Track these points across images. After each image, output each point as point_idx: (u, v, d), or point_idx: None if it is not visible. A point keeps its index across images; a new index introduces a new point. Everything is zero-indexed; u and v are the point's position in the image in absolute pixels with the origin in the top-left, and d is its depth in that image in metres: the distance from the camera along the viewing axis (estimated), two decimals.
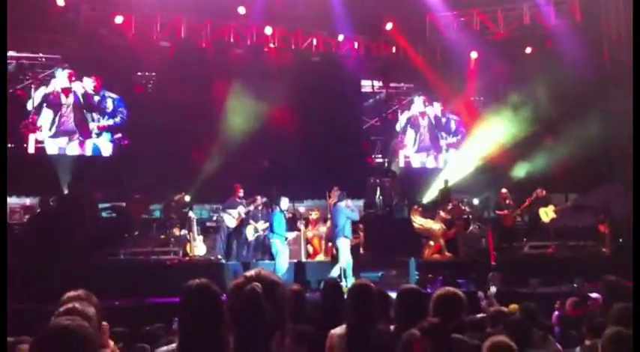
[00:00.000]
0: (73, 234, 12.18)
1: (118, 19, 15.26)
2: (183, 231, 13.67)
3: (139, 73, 16.48)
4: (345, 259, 12.36)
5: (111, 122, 15.76)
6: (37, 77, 15.23)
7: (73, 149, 15.52)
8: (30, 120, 14.85)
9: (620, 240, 14.13)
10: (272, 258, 13.09)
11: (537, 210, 15.28)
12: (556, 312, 7.64)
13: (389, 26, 17.59)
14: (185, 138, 15.30)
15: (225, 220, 13.79)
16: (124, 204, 14.49)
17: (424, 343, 2.99)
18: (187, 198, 14.54)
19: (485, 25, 17.82)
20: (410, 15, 17.76)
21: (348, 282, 11.32)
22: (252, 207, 13.74)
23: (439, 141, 19.25)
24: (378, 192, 16.92)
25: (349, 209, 12.74)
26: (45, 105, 15.19)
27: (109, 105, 15.79)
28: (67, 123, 15.39)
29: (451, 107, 19.11)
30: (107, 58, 15.53)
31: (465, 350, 3.33)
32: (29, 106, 15.08)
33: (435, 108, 19.18)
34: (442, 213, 14.52)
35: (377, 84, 19.29)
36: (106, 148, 15.77)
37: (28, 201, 14.52)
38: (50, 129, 15.24)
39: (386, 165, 18.42)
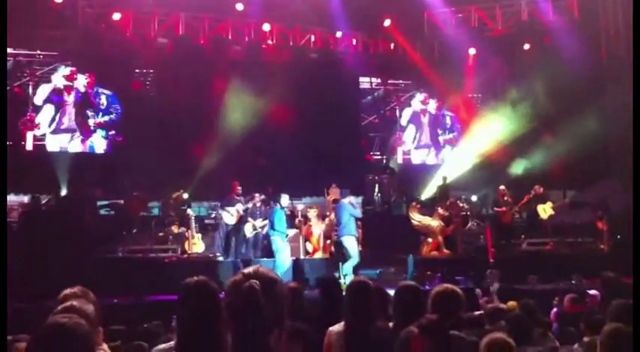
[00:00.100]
0: (71, 232, 12.17)
1: (116, 16, 15.24)
2: (182, 229, 13.67)
3: (137, 70, 16.46)
4: (357, 255, 12.41)
5: (106, 118, 15.72)
6: (34, 74, 15.20)
7: (75, 147, 15.49)
8: (28, 117, 14.81)
9: (618, 237, 14.14)
10: (271, 255, 13.15)
11: (535, 206, 15.29)
12: (554, 309, 7.65)
13: (387, 23, 17.57)
14: (183, 136, 15.29)
15: (223, 218, 13.79)
16: (122, 202, 14.49)
17: (422, 340, 2.99)
18: (186, 196, 14.54)
19: (484, 22, 17.81)
20: (408, 11, 17.74)
21: (347, 279, 11.33)
22: (250, 205, 13.74)
23: (438, 138, 19.23)
24: (377, 189, 16.93)
25: (352, 206, 12.75)
26: (48, 102, 15.14)
27: (103, 101, 15.75)
28: (69, 120, 15.35)
29: (449, 103, 19.09)
30: (105, 54, 15.51)
31: (463, 347, 3.33)
32: (37, 102, 15.05)
33: (430, 105, 19.15)
34: (440, 210, 14.52)
35: (375, 81, 19.27)
36: (100, 145, 15.72)
37: (26, 198, 14.50)
38: (50, 126, 15.20)
39: (384, 162, 18.42)
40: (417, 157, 19.09)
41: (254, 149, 15.99)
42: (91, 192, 14.42)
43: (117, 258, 12.83)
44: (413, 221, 14.47)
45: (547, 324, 6.48)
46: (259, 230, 13.64)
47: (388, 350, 3.36)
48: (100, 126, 15.70)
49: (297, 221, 13.80)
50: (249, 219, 13.61)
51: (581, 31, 16.44)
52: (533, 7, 17.39)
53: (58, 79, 15.20)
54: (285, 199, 13.07)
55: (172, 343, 2.91)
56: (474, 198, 17.16)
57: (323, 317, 4.96)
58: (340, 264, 12.86)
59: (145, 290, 10.68)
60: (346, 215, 12.62)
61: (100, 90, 15.70)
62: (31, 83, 15.11)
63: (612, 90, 16.48)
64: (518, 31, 17.60)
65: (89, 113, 15.58)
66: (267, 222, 13.56)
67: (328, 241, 13.98)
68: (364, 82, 19.16)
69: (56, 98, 15.18)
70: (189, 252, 13.34)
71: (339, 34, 17.48)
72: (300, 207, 14.00)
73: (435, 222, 14.35)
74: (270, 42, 16.89)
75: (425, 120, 19.04)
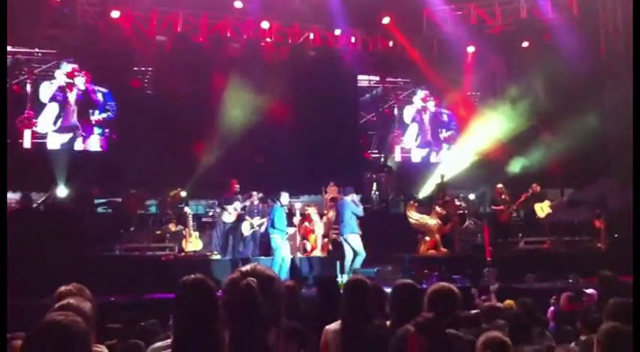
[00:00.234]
0: (68, 230, 12.17)
1: (115, 14, 15.22)
2: (179, 227, 13.67)
3: (136, 68, 16.45)
4: (363, 250, 12.47)
5: (104, 116, 15.70)
6: (33, 72, 15.18)
7: (79, 145, 15.48)
8: (26, 115, 14.80)
9: (616, 236, 14.15)
10: (269, 253, 13.17)
11: (533, 205, 15.29)
12: (551, 307, 7.65)
13: (386, 20, 17.56)
14: (181, 133, 15.29)
15: (222, 216, 13.79)
16: (119, 200, 14.48)
17: (418, 338, 2.99)
18: (183, 194, 14.54)
19: (483, 19, 17.80)
20: (407, 9, 17.72)
21: (344, 278, 11.33)
22: (247, 203, 13.74)
23: (439, 136, 19.22)
24: (374, 188, 16.94)
25: (355, 204, 12.76)
26: (53, 100, 15.12)
27: (100, 99, 15.74)
28: (72, 118, 15.32)
29: (447, 101, 19.09)
30: (104, 52, 15.49)
31: (460, 346, 3.32)
32: (43, 100, 15.03)
33: (430, 103, 19.15)
34: (438, 209, 14.51)
35: (374, 78, 19.27)
36: (95, 143, 15.69)
37: (30, 196, 14.46)
38: (55, 124, 15.18)
39: (382, 160, 18.42)
40: (418, 155, 19.08)
41: (251, 147, 15.98)
42: (88, 190, 14.41)
43: (114, 256, 12.83)
44: (410, 219, 14.47)
45: (544, 323, 6.49)
46: (257, 228, 13.63)
47: (385, 348, 3.36)
48: (97, 123, 15.69)
49: (295, 219, 13.78)
50: (247, 217, 13.61)
51: (580, 28, 16.44)
52: (532, 5, 17.38)
53: (61, 77, 15.17)
54: (285, 197, 13.06)
55: (169, 341, 2.90)
56: (471, 196, 17.19)
57: (320, 315, 4.96)
58: (338, 262, 12.89)
59: (142, 289, 10.66)
60: (348, 213, 12.63)
61: (96, 87, 15.69)
62: (29, 81, 15.10)
63: (611, 88, 16.51)
64: (517, 29, 17.59)
65: (90, 111, 15.56)
66: (264, 220, 13.57)
67: (326, 239, 13.98)
68: (363, 79, 19.16)
69: (61, 96, 15.16)
70: (186, 250, 13.33)
71: (337, 32, 17.46)
72: (298, 205, 13.99)
73: (432, 221, 14.35)
74: (268, 40, 16.87)
75: (426, 118, 19.05)
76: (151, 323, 6.04)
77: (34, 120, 14.90)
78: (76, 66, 15.25)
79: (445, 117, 19.20)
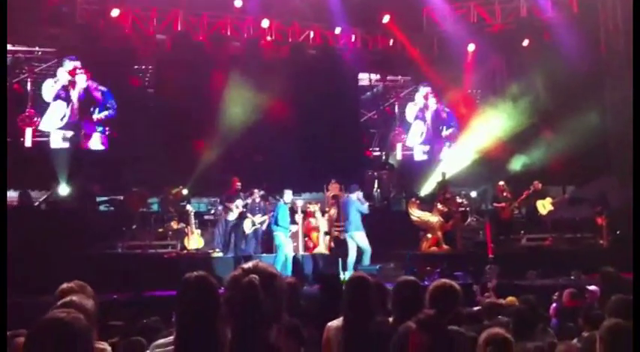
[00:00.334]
0: (70, 228, 12.19)
1: (115, 12, 15.20)
2: (181, 225, 13.68)
3: (136, 67, 16.44)
4: (368, 246, 12.49)
5: (105, 114, 15.68)
6: (33, 71, 15.17)
7: (81, 143, 15.47)
8: (27, 113, 14.80)
9: (618, 232, 14.15)
10: (271, 250, 13.26)
11: (534, 202, 15.29)
12: (554, 304, 7.65)
13: (386, 19, 17.54)
14: (183, 132, 15.31)
15: (224, 213, 13.81)
16: (121, 198, 14.49)
17: (420, 335, 2.99)
18: (185, 192, 14.55)
19: (483, 18, 17.78)
20: (407, 7, 17.71)
21: (346, 275, 11.34)
22: (249, 200, 13.75)
23: (441, 134, 19.21)
24: (376, 185, 16.93)
25: (360, 202, 12.77)
26: (58, 98, 15.11)
27: (100, 97, 15.71)
28: (75, 116, 15.32)
29: (448, 99, 19.08)
30: (103, 51, 15.48)
31: (461, 342, 3.32)
32: (47, 98, 15.00)
33: (431, 101, 19.14)
34: (439, 206, 14.52)
35: (374, 77, 19.26)
36: (97, 141, 15.68)
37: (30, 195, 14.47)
38: (62, 121, 15.18)
39: (384, 158, 18.41)
40: (421, 153, 19.08)
41: (253, 145, 15.98)
42: (90, 188, 14.42)
43: (116, 254, 12.86)
44: (412, 217, 14.49)
45: (546, 319, 6.50)
46: (258, 226, 13.65)
47: (387, 345, 3.36)
48: (98, 122, 15.68)
49: (297, 217, 13.77)
50: (249, 214, 13.62)
51: (580, 26, 16.41)
52: (532, 3, 17.35)
53: (64, 75, 15.17)
54: (288, 195, 13.08)
55: (171, 338, 2.91)
56: (473, 193, 17.18)
57: (322, 312, 4.97)
58: (340, 259, 12.91)
59: (144, 286, 10.68)
60: (353, 210, 12.65)
61: (97, 86, 15.65)
62: (29, 79, 15.09)
63: (611, 86, 16.49)
64: (517, 27, 17.58)
65: (91, 109, 15.55)
66: (266, 217, 13.60)
67: (328, 237, 13.99)
68: (363, 78, 19.15)
69: (65, 94, 15.16)
70: (188, 247, 13.35)
71: (337, 30, 17.44)
72: (299, 202, 14.00)
73: (434, 218, 14.36)
74: (268, 38, 16.86)
75: (428, 115, 19.05)
76: (153, 321, 6.04)
77: (35, 119, 14.88)
78: (78, 63, 15.21)
79: (445, 115, 19.16)
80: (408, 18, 17.88)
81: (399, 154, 18.71)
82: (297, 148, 15.92)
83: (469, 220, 15.87)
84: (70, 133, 15.28)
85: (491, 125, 17.54)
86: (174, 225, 13.78)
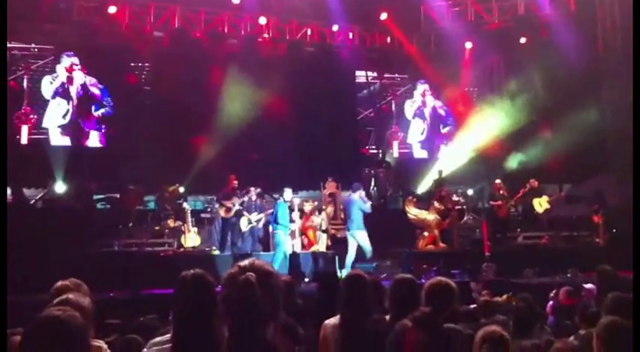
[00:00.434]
0: (67, 225, 12.16)
1: (112, 9, 15.18)
2: (178, 223, 13.66)
3: (133, 64, 16.40)
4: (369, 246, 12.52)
5: (102, 111, 15.65)
6: (29, 68, 15.13)
7: (80, 141, 15.43)
8: (23, 111, 14.75)
9: (614, 231, 14.17)
10: (267, 248, 13.33)
11: (531, 200, 15.31)
12: (550, 302, 7.66)
13: (383, 16, 17.54)
14: (179, 129, 15.27)
15: (220, 211, 13.81)
16: (118, 196, 14.47)
17: (416, 333, 2.99)
18: (182, 190, 14.54)
19: (480, 15, 17.81)
20: (404, 5, 17.73)
21: (343, 273, 11.34)
22: (245, 198, 13.76)
23: (440, 131, 19.21)
24: (373, 183, 16.93)
25: (362, 201, 12.78)
26: (57, 95, 15.08)
27: (97, 94, 15.67)
28: (75, 114, 15.29)
29: (445, 97, 19.09)
30: (101, 48, 15.46)
31: (458, 340, 3.32)
32: (46, 96, 14.96)
33: (429, 98, 19.14)
34: (436, 204, 14.54)
35: (371, 74, 19.26)
36: (95, 139, 15.65)
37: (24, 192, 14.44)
38: (64, 118, 15.14)
39: (380, 156, 18.42)
40: (420, 151, 19.07)
41: (250, 143, 15.96)
42: (87, 186, 14.39)
43: (113, 252, 12.83)
44: (409, 215, 14.51)
45: (543, 317, 6.50)
46: (255, 224, 13.67)
47: (384, 343, 3.36)
48: (96, 119, 15.64)
49: (294, 215, 13.77)
50: (245, 212, 13.62)
51: (578, 24, 16.44)
52: (529, 1, 17.40)
53: (62, 71, 15.13)
54: (288, 193, 13.08)
55: (168, 336, 2.90)
56: (469, 191, 17.19)
57: (320, 310, 4.96)
58: (337, 257, 12.93)
59: (140, 284, 10.66)
60: (356, 209, 12.66)
61: (94, 83, 15.60)
62: (26, 77, 15.04)
63: (609, 83, 16.51)
64: (514, 25, 17.60)
65: (90, 106, 15.51)
66: (262, 215, 13.62)
67: (325, 235, 13.99)
68: (360, 75, 19.14)
69: (64, 91, 15.12)
70: (185, 245, 13.34)
71: (335, 28, 17.44)
72: (296, 200, 14.01)
73: (431, 216, 14.37)
74: (266, 35, 16.85)
75: (427, 113, 19.05)
76: (149, 319, 6.02)
77: (32, 116, 14.84)
78: (75, 59, 15.17)
79: (442, 112, 19.17)
80: (405, 15, 17.88)
81: (395, 152, 18.71)
82: (294, 146, 15.92)
83: (466, 218, 15.90)
84: (69, 131, 15.23)
85: (488, 123, 17.56)
86: (170, 223, 13.77)
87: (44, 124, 14.96)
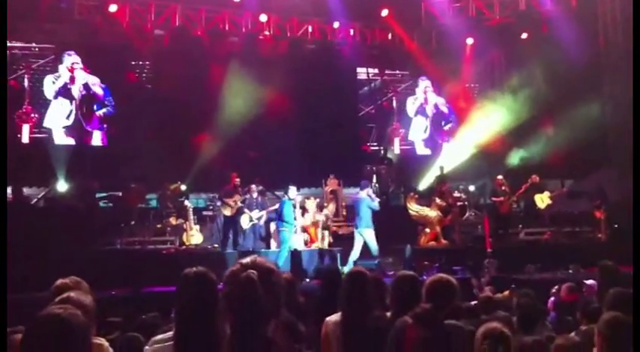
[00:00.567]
0: (69, 224, 12.18)
1: (112, 8, 15.15)
2: (180, 220, 13.68)
3: (134, 62, 16.40)
4: (375, 247, 12.54)
5: (104, 111, 15.65)
6: (30, 67, 15.13)
7: (83, 139, 15.43)
8: (24, 110, 14.76)
9: (616, 226, 14.15)
10: (269, 245, 13.47)
11: (533, 196, 15.30)
12: (552, 298, 7.66)
13: (384, 13, 17.51)
14: (181, 127, 15.28)
15: (221, 209, 13.82)
16: (120, 194, 14.48)
17: (416, 329, 3.00)
18: (183, 188, 14.55)
19: (481, 11, 17.76)
20: (405, 1, 17.71)
21: (344, 269, 11.34)
22: (247, 196, 13.78)
23: (443, 128, 19.19)
24: (374, 180, 16.93)
25: (370, 198, 12.77)
26: (60, 95, 15.07)
27: (99, 93, 15.66)
28: (78, 113, 15.28)
29: (446, 93, 19.07)
30: (101, 47, 15.46)
31: (459, 336, 3.33)
32: (48, 96, 14.96)
33: (431, 95, 19.12)
34: (438, 201, 14.54)
35: (372, 71, 19.25)
36: (97, 138, 15.65)
37: (24, 191, 14.44)
38: (68, 118, 15.13)
39: (382, 152, 18.41)
40: (422, 147, 19.06)
41: (251, 140, 15.96)
42: (89, 185, 14.40)
43: (115, 250, 12.86)
44: (411, 211, 14.51)
45: (544, 313, 6.50)
46: (256, 221, 13.69)
47: (385, 339, 3.37)
48: (98, 118, 15.63)
49: (296, 212, 13.78)
50: (246, 210, 13.64)
51: (579, 19, 16.40)
52: None
53: (65, 71, 15.12)
54: (293, 191, 13.09)
55: (170, 333, 2.91)
56: (471, 188, 17.19)
57: (323, 306, 4.97)
58: (338, 254, 12.93)
59: (142, 282, 10.69)
60: (364, 207, 12.66)
61: (96, 82, 15.60)
62: (27, 76, 15.04)
63: (610, 78, 16.48)
64: (516, 21, 17.56)
65: (93, 105, 15.51)
66: (263, 213, 13.65)
67: (326, 232, 13.99)
68: (361, 72, 19.13)
69: (67, 91, 15.11)
70: (187, 243, 13.36)
71: (336, 25, 17.42)
72: (298, 198, 14.02)
73: (432, 213, 14.38)
74: (267, 33, 16.83)
75: (429, 110, 19.03)
76: (151, 317, 6.04)
77: (33, 115, 14.84)
78: (77, 58, 15.16)
79: (445, 109, 19.14)
80: (406, 12, 17.86)
81: (397, 149, 18.70)
82: (296, 143, 15.92)
83: (467, 214, 15.90)
84: (73, 131, 15.23)
85: (489, 119, 17.55)
86: (172, 220, 13.79)
87: (46, 124, 14.96)
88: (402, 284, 4.23)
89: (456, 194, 15.87)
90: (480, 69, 18.82)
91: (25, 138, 14.70)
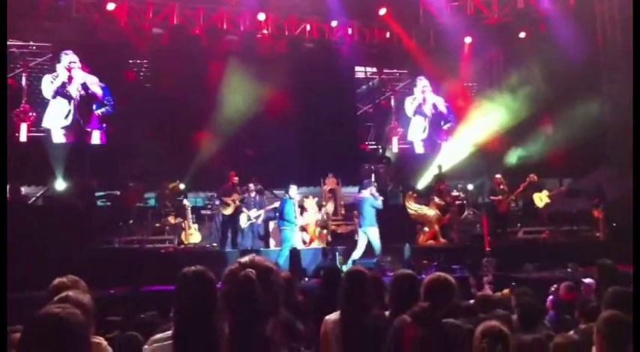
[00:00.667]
0: (68, 223, 12.16)
1: (110, 6, 15.11)
2: (178, 219, 13.68)
3: (131, 61, 16.38)
4: (379, 245, 12.55)
5: (103, 110, 15.62)
6: (28, 65, 15.11)
7: (82, 138, 15.39)
8: (21, 108, 14.73)
9: (614, 225, 14.17)
10: (268, 244, 13.53)
11: (531, 195, 15.31)
12: (550, 297, 7.67)
13: (382, 11, 17.49)
14: (179, 126, 15.27)
15: (220, 208, 13.82)
16: (118, 193, 14.47)
17: (415, 328, 3.00)
18: (182, 186, 14.54)
19: (479, 10, 17.74)
20: (403, 0, 17.69)
21: (345, 268, 11.36)
22: (245, 195, 13.78)
23: (441, 127, 19.19)
24: (373, 179, 16.91)
25: (373, 197, 12.78)
26: (58, 95, 15.04)
27: (98, 92, 15.63)
28: (76, 113, 15.25)
29: (444, 92, 19.07)
30: (99, 45, 15.43)
31: (458, 335, 3.33)
32: (47, 95, 14.92)
33: (430, 94, 19.12)
34: (436, 199, 14.55)
35: (370, 70, 19.25)
36: (96, 137, 15.63)
37: (22, 190, 14.42)
38: (66, 118, 15.10)
39: (380, 151, 18.41)
40: (421, 146, 19.06)
41: (249, 139, 15.95)
42: (88, 183, 14.39)
43: (113, 249, 12.84)
44: (409, 210, 14.52)
45: (542, 311, 6.51)
46: (254, 220, 13.70)
47: (384, 338, 3.37)
48: (98, 118, 15.60)
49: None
50: (244, 209, 13.65)
51: (577, 18, 16.40)
52: None
53: (62, 71, 15.09)
54: (293, 190, 13.09)
55: (169, 332, 2.91)
56: (470, 186, 17.20)
57: (322, 305, 4.97)
58: (338, 253, 12.94)
59: (141, 281, 10.68)
60: (367, 206, 12.67)
61: (94, 81, 15.58)
62: (24, 74, 15.02)
63: (608, 77, 16.49)
64: (514, 19, 17.55)
65: (92, 104, 15.48)
66: (261, 212, 13.66)
67: (325, 231, 14.00)
68: (359, 71, 19.13)
69: (65, 91, 15.08)
70: (185, 242, 13.36)
71: (334, 24, 17.39)
72: (297, 197, 14.02)
73: (431, 211, 14.38)
74: (265, 32, 16.80)
75: (427, 109, 19.03)
76: (150, 316, 6.04)
77: (30, 114, 14.81)
78: (74, 57, 15.14)
79: (444, 109, 19.14)
80: (404, 11, 17.83)
81: (395, 148, 18.70)
82: (294, 142, 15.91)
83: (466, 213, 15.90)
84: (72, 131, 15.20)
85: (488, 117, 17.55)
86: (171, 219, 13.78)
87: (45, 124, 14.92)
88: (400, 283, 4.24)
89: (455, 193, 15.87)
90: (478, 68, 18.81)
91: (23, 136, 14.68)
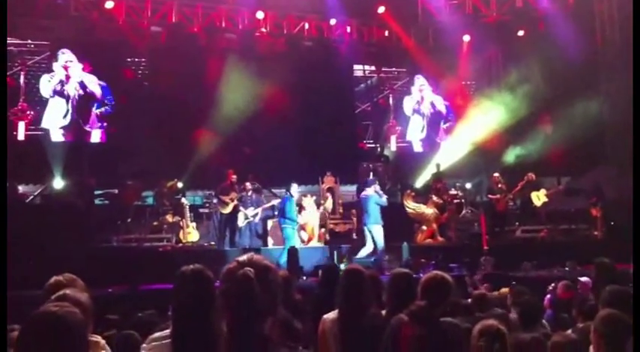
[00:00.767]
0: (66, 221, 12.15)
1: (109, 4, 15.11)
2: (176, 218, 13.67)
3: (130, 59, 16.36)
4: (382, 244, 12.54)
5: (102, 110, 15.60)
6: (26, 64, 15.07)
7: (81, 137, 15.36)
8: (19, 107, 14.70)
9: (612, 223, 14.19)
10: (266, 243, 13.49)
11: (529, 194, 15.32)
12: (548, 295, 7.68)
13: (381, 10, 17.49)
14: (177, 125, 15.25)
15: (218, 206, 13.82)
16: (116, 191, 14.46)
17: (412, 327, 3.00)
18: (180, 185, 14.53)
19: (478, 8, 17.76)
20: None
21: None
22: (242, 193, 13.78)
23: (440, 126, 19.18)
24: (371, 178, 16.92)
25: (378, 195, 12.78)
26: (57, 94, 15.02)
27: (97, 91, 15.61)
28: (75, 112, 15.22)
29: (443, 91, 19.06)
30: (98, 43, 15.41)
31: (455, 334, 3.33)
32: (45, 94, 14.88)
33: (428, 93, 19.11)
34: (434, 198, 14.56)
35: (368, 68, 19.24)
36: (96, 135, 15.61)
37: (20, 188, 14.42)
38: (65, 118, 15.07)
39: (378, 150, 18.41)
40: (419, 145, 19.05)
41: (248, 137, 15.94)
42: (86, 182, 14.38)
43: (111, 248, 12.83)
44: (407, 209, 14.52)
45: (542, 310, 6.51)
46: (251, 219, 13.70)
47: (382, 337, 3.37)
48: (98, 118, 15.58)
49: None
50: (241, 208, 13.65)
51: (576, 16, 16.41)
52: None
53: (60, 70, 15.06)
54: (294, 188, 13.09)
55: (168, 331, 2.91)
56: (468, 185, 17.20)
57: (321, 304, 4.97)
58: (339, 251, 12.94)
59: (139, 280, 10.66)
60: (372, 204, 12.66)
61: (93, 80, 15.55)
62: (22, 73, 14.98)
63: (607, 75, 16.50)
64: (512, 18, 17.57)
65: (91, 104, 15.45)
66: (258, 210, 13.66)
67: (323, 229, 14.00)
68: (357, 69, 19.13)
69: (63, 90, 15.05)
70: (183, 241, 13.36)
71: (333, 22, 17.39)
72: (295, 195, 14.01)
73: (429, 210, 14.39)
74: (263, 30, 16.79)
75: (425, 108, 19.02)
76: (148, 314, 6.04)
77: (28, 113, 14.78)
78: (71, 56, 15.10)
79: (443, 108, 19.13)
80: (403, 9, 17.84)
81: (393, 146, 18.70)
82: (292, 140, 15.89)
83: (464, 212, 15.91)
84: (70, 131, 15.18)
85: (486, 116, 17.55)
86: (169, 218, 13.77)
87: (44, 124, 14.87)
88: (397, 282, 4.24)
89: (453, 191, 15.89)
90: (477, 66, 18.81)
91: (21, 135, 14.64)
